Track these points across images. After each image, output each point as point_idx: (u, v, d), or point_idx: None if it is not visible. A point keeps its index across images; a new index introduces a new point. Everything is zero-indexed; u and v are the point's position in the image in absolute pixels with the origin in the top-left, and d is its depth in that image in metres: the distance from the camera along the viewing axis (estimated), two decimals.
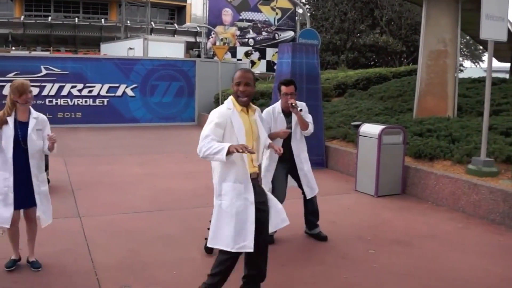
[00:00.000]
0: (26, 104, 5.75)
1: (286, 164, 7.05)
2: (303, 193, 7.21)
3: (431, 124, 11.85)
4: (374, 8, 37.15)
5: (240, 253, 4.82)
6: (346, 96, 19.43)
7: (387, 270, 6.21)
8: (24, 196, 5.72)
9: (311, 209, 7.34)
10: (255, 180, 4.96)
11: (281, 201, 6.94)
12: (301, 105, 6.94)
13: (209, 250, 6.46)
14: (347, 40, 37.05)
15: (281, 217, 5.16)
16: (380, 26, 37.87)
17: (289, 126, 6.98)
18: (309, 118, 7.01)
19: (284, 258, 6.54)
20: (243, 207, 4.73)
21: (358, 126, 10.54)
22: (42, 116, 5.92)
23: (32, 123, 5.75)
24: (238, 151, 4.32)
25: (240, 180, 4.75)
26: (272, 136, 6.69)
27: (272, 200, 5.16)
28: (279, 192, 6.98)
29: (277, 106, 7.10)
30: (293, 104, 6.74)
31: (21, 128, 5.70)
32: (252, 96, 4.95)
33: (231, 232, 4.69)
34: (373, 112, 14.80)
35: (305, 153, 7.18)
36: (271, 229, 5.14)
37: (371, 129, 10.04)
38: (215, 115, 4.78)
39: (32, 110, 5.87)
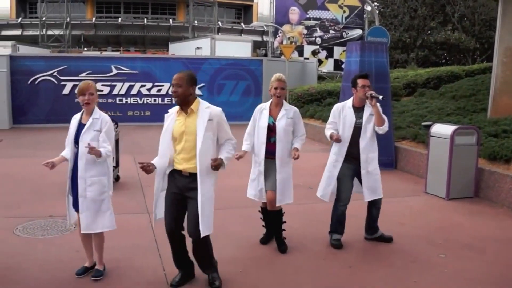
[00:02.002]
0: (84, 106, 5.68)
1: (354, 163, 6.88)
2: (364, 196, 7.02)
3: (507, 125, 11.42)
4: (445, 4, 36.24)
5: None
6: (416, 95, 19.02)
7: (458, 275, 6.03)
8: (77, 199, 5.68)
9: (375, 213, 7.13)
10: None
11: (345, 199, 6.90)
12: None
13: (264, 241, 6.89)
14: (417, 37, 36.32)
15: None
16: (452, 23, 36.92)
17: (358, 122, 6.81)
18: (384, 116, 6.85)
19: (351, 260, 6.49)
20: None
21: (429, 126, 10.29)
22: (104, 117, 5.74)
23: (88, 123, 5.65)
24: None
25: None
26: (332, 136, 6.83)
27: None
28: (344, 191, 6.91)
29: (349, 101, 7.00)
30: (373, 95, 6.64)
31: (80, 129, 5.66)
32: (183, 96, 5.28)
33: None
34: (445, 112, 14.42)
35: (374, 153, 6.91)
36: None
37: (442, 130, 9.77)
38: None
39: (96, 110, 5.74)
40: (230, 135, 5.58)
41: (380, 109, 6.77)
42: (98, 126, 5.64)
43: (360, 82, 6.77)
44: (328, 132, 6.95)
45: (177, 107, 5.42)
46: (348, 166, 6.88)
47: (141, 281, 5.75)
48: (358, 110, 6.84)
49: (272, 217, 6.68)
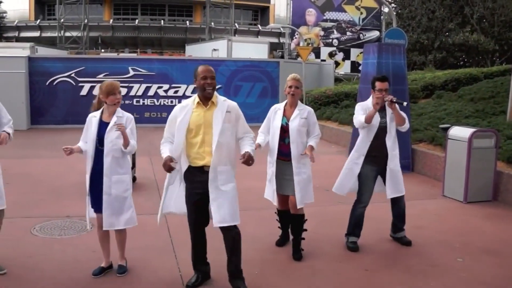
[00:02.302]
0: (113, 106, 5.78)
1: (377, 163, 6.89)
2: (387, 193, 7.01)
3: None
4: (464, 5, 35.93)
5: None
6: (434, 97, 18.89)
7: (476, 280, 5.98)
8: (99, 198, 5.71)
9: (396, 212, 7.16)
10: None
11: (366, 200, 6.91)
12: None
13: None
14: (435, 39, 36.06)
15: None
16: (470, 24, 36.58)
17: (382, 121, 6.82)
18: (404, 115, 6.89)
19: (367, 262, 6.47)
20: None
21: (446, 129, 10.20)
22: (127, 115, 5.87)
23: (113, 121, 5.72)
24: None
25: None
26: (368, 117, 6.73)
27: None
28: (365, 192, 6.91)
29: (369, 101, 6.98)
30: (394, 100, 6.66)
31: (102, 129, 5.71)
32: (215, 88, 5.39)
33: None
34: (463, 114, 14.30)
35: (397, 151, 6.96)
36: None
37: (460, 132, 9.69)
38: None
39: (118, 109, 5.84)
40: (247, 128, 5.60)
41: (398, 107, 6.82)
42: (123, 124, 5.73)
43: (378, 85, 6.76)
44: (362, 117, 6.85)
45: (191, 99, 5.45)
46: (371, 167, 6.88)
47: (157, 281, 5.78)
48: (381, 109, 6.82)
49: (294, 220, 6.62)
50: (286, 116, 6.56)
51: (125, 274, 5.87)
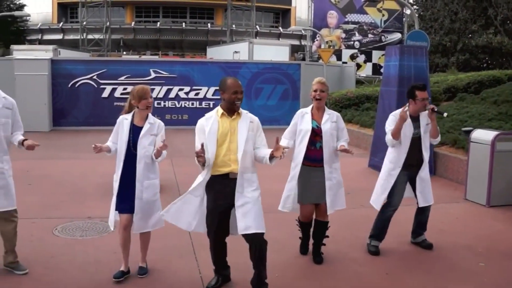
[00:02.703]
0: (145, 110, 5.82)
1: (412, 171, 6.84)
2: (417, 200, 6.95)
3: None
4: (487, 7, 35.61)
5: None
6: (456, 100, 18.71)
7: (498, 285, 5.93)
8: (130, 201, 5.76)
9: (420, 219, 7.10)
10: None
11: (396, 203, 6.87)
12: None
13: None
14: (457, 41, 35.79)
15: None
16: (494, 26, 36.23)
17: (416, 132, 6.75)
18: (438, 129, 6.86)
19: (388, 266, 6.43)
20: None
21: (469, 132, 10.11)
22: (159, 122, 5.94)
23: (146, 128, 5.79)
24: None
25: None
26: (394, 132, 6.65)
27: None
28: (396, 196, 6.84)
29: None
30: (435, 109, 6.61)
31: (135, 133, 5.77)
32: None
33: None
34: (486, 117, 14.14)
35: (427, 160, 6.92)
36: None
37: (483, 135, 9.60)
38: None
39: (150, 115, 5.92)
40: (265, 142, 5.56)
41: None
42: (155, 131, 5.84)
43: (418, 94, 6.66)
44: (389, 134, 6.77)
45: (214, 112, 5.46)
46: (403, 172, 6.80)
47: (177, 283, 5.81)
48: (415, 119, 6.76)
49: (318, 227, 6.53)
50: (315, 120, 6.42)
51: (146, 276, 5.90)
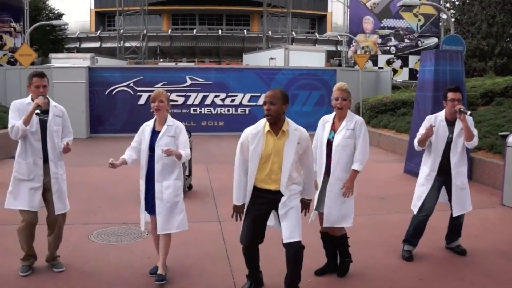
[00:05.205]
0: (156, 113, 5.96)
1: (442, 176, 6.73)
2: (451, 208, 6.82)
3: None
4: None
5: None
6: (494, 104, 18.45)
7: None
8: (152, 202, 5.90)
9: (453, 225, 7.01)
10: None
11: (428, 209, 6.75)
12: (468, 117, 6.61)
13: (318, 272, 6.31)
14: (495, 45, 35.29)
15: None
16: None
17: (450, 136, 6.66)
18: (474, 132, 6.62)
19: (422, 272, 6.37)
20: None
21: (506, 137, 9.97)
22: (178, 124, 6.02)
23: (163, 130, 5.92)
24: None
25: None
26: (420, 141, 6.62)
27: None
28: (428, 201, 6.75)
29: (441, 114, 6.82)
30: (461, 109, 6.49)
31: (154, 137, 5.92)
32: (276, 114, 5.13)
33: None
34: None
35: (464, 167, 6.79)
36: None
37: None
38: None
39: (169, 118, 6.02)
40: (310, 160, 5.48)
41: (472, 123, 6.61)
42: (173, 132, 5.94)
43: (450, 95, 6.62)
44: (419, 135, 6.72)
45: (261, 124, 5.27)
46: (437, 178, 6.74)
47: None
48: (451, 123, 6.69)
49: (335, 242, 6.27)
50: (334, 129, 6.06)
51: (164, 283, 5.85)
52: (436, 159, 6.73)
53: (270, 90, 5.25)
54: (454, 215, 6.79)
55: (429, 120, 6.82)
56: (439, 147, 6.70)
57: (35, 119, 5.96)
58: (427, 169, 6.81)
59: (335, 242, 6.23)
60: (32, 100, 6.07)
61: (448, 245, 7.11)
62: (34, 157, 6.00)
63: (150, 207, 5.94)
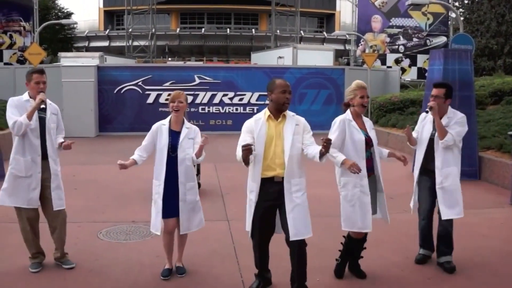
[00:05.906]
0: (175, 113, 5.99)
1: (431, 176, 6.43)
2: (439, 212, 6.38)
3: None
4: None
5: None
6: (503, 103, 18.40)
7: None
8: (174, 204, 5.92)
9: (441, 234, 6.43)
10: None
11: (423, 213, 6.60)
12: (455, 114, 6.36)
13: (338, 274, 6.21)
14: (505, 44, 35.16)
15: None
16: None
17: (433, 132, 6.41)
18: (455, 130, 6.24)
19: (430, 271, 6.36)
20: None
21: None
22: (194, 128, 6.14)
23: (184, 132, 5.99)
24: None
25: None
26: (408, 139, 6.60)
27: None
28: (421, 203, 6.59)
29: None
30: (431, 107, 6.22)
31: (173, 137, 5.96)
32: None
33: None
34: None
35: (451, 168, 6.32)
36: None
37: None
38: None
39: (185, 120, 6.11)
40: (313, 140, 5.44)
41: (462, 120, 6.32)
42: (192, 135, 6.05)
43: (432, 91, 6.41)
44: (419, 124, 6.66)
45: (263, 113, 5.49)
46: (426, 178, 6.51)
47: (219, 287, 5.87)
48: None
49: (358, 243, 6.14)
50: (361, 128, 5.93)
51: (185, 275, 6.02)
52: (419, 157, 6.57)
53: (281, 79, 5.48)
54: (443, 217, 6.29)
55: (420, 117, 6.76)
56: (423, 144, 6.50)
57: (34, 116, 6.02)
58: (414, 166, 6.76)
59: (362, 243, 6.15)
60: (30, 96, 6.17)
61: (438, 259, 6.46)
62: (33, 154, 6.06)
63: (168, 211, 5.92)
